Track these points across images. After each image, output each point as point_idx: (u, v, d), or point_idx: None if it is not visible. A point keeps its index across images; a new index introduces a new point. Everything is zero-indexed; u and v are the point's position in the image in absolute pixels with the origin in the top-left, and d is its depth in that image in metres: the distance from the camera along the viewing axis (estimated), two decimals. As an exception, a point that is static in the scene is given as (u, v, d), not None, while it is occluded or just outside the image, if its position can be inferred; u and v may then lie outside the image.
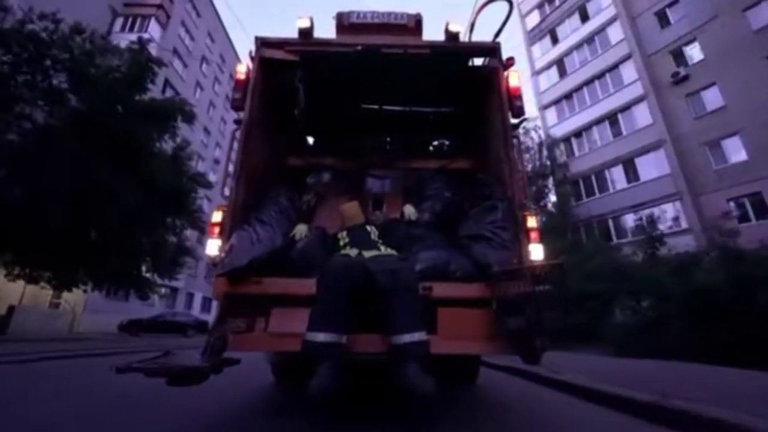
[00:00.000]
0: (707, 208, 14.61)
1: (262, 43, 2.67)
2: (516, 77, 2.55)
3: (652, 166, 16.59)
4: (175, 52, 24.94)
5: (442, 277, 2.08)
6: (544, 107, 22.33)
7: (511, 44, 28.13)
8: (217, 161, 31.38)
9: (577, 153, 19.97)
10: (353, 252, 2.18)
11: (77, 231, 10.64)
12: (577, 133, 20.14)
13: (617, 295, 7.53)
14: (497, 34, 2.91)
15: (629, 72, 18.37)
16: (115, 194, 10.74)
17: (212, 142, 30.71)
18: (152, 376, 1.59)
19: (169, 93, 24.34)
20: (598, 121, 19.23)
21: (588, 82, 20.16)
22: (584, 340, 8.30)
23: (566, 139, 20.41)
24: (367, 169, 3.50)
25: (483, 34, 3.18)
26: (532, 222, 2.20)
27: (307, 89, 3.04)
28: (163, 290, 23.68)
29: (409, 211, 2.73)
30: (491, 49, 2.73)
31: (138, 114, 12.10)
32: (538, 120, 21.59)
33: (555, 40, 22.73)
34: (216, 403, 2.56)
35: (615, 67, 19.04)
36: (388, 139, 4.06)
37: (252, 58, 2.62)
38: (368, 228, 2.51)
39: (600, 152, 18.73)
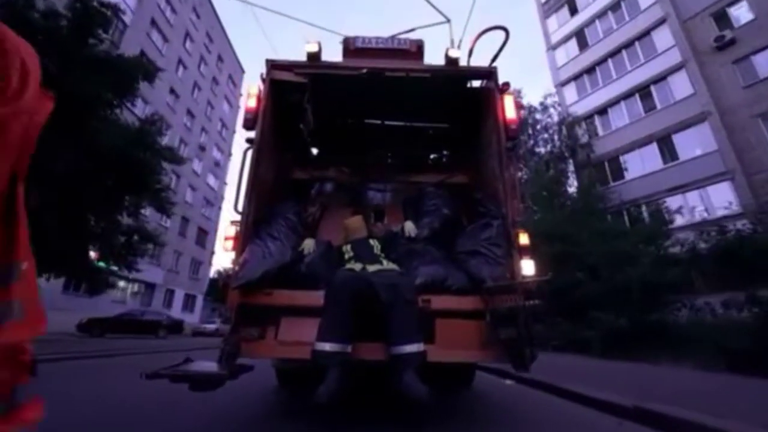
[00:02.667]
0: (765, 189, 12.40)
1: (272, 65, 2.79)
2: (511, 101, 2.59)
3: (695, 143, 14.37)
4: (154, 23, 22.58)
5: (439, 290, 2.19)
6: (561, 84, 20.09)
7: (526, 16, 26.11)
8: (202, 147, 28.99)
9: (601, 132, 17.72)
10: (357, 266, 2.28)
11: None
12: (602, 110, 17.90)
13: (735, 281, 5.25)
14: (494, 59, 2.96)
15: (664, 38, 16.14)
16: (45, 160, 8.43)
17: (197, 127, 28.31)
18: (177, 382, 1.76)
19: (146, 68, 21.93)
20: (627, 96, 17.00)
21: (613, 53, 17.93)
22: (659, 344, 6.05)
23: (588, 118, 18.19)
24: (370, 181, 3.62)
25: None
26: (524, 239, 2.27)
27: (315, 108, 3.12)
28: (136, 286, 21.31)
29: (409, 227, 2.81)
30: (488, 74, 2.84)
31: (85, 67, 9.85)
32: (555, 96, 19.32)
33: (574, 11, 20.48)
34: (223, 404, 2.69)
35: (646, 33, 16.81)
36: (390, 153, 4.08)
37: (263, 80, 2.72)
38: (371, 242, 2.64)
39: (629, 130, 16.49)
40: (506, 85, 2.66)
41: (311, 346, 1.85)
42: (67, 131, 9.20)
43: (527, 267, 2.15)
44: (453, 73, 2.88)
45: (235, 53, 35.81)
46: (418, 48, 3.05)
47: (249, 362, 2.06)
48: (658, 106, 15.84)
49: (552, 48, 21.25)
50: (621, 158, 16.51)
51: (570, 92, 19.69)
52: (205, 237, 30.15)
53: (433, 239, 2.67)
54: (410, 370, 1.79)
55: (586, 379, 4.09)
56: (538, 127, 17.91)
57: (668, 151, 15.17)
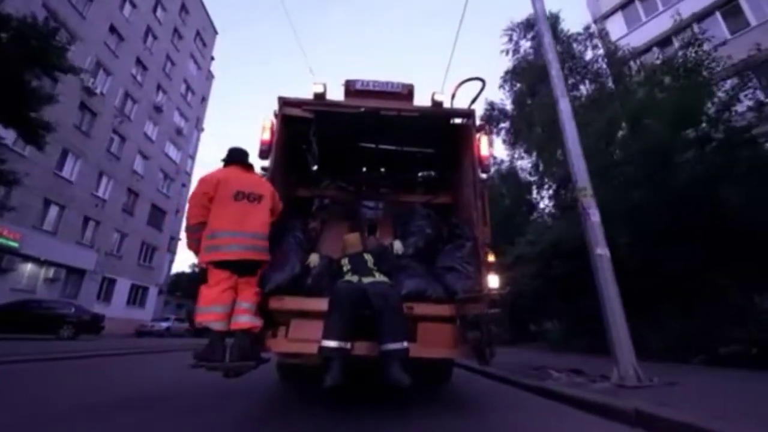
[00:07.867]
0: None
1: (284, 102, 3.27)
2: (485, 141, 3.03)
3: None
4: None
5: (421, 299, 2.63)
6: (604, 17, 15.93)
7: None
8: (158, 108, 24.04)
9: (663, 68, 13.57)
10: (354, 278, 2.73)
11: None
12: (664, 41, 13.77)
13: None
14: (472, 102, 3.45)
15: (756, -66, 12.07)
16: None
17: (151, 83, 23.36)
18: (213, 370, 2.25)
19: (73, -8, 17.03)
20: (702, 17, 12.88)
21: (678, -33, 13.81)
22: None
23: (645, 52, 14.01)
24: (364, 199, 4.13)
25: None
26: (491, 258, 2.69)
27: (319, 138, 3.61)
28: (51, 271, 16.35)
29: (398, 246, 3.28)
30: (467, 114, 3.34)
31: None
32: (593, 27, 14.98)
33: (618, -74, 16.33)
34: (231, 395, 3.20)
35: (729, -68, 12.72)
36: (383, 173, 4.60)
37: (276, 116, 3.21)
38: (365, 256, 3.04)
39: (707, 60, 12.37)
40: (482, 125, 3.13)
41: (317, 343, 2.28)
42: None
43: (493, 281, 2.47)
44: (438, 113, 3.33)
45: (206, 9, 30.92)
46: (409, 92, 3.50)
47: (264, 355, 2.54)
48: (753, 23, 11.74)
49: (589, -24, 17.07)
50: (696, 97, 12.35)
51: (616, 25, 15.48)
52: (161, 217, 25.17)
53: (417, 256, 3.14)
54: (396, 362, 2.21)
55: None
56: (582, 60, 13.61)
57: (770, 81, 11.07)
